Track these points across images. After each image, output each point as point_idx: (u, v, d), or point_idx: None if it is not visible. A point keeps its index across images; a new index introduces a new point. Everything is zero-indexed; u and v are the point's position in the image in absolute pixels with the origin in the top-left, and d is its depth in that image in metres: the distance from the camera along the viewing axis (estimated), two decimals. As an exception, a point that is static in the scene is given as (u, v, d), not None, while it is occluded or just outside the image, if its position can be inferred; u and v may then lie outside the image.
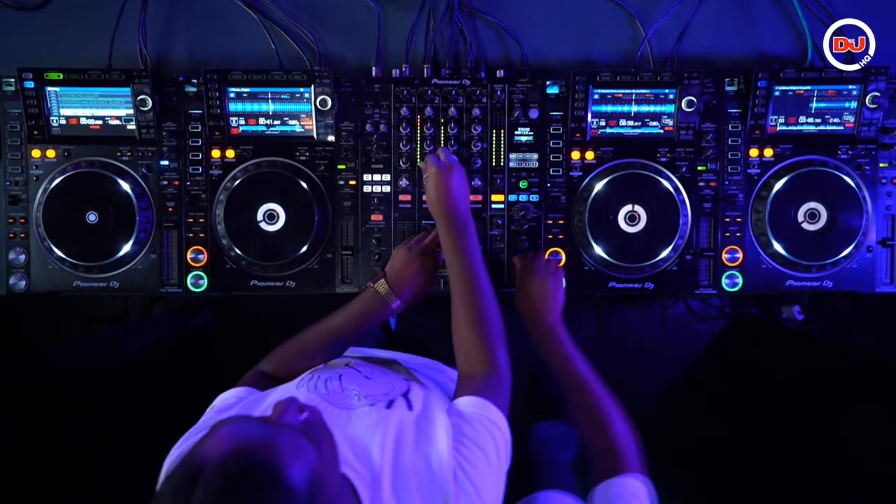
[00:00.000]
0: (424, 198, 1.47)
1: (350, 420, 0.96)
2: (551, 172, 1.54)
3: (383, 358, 1.31)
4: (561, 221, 1.55)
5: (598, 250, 1.50)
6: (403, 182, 1.53)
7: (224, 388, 1.13)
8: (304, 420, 0.79)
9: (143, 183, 1.53)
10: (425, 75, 1.55)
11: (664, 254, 1.50)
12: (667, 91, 1.50)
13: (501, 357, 1.16)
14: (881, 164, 1.53)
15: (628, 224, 1.50)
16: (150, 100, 1.48)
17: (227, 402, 1.09)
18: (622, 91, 1.51)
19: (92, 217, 1.49)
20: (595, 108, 1.52)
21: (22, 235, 1.53)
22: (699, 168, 1.54)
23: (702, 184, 1.54)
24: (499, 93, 1.53)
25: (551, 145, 1.54)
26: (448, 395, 1.13)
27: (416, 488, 0.87)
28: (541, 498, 1.21)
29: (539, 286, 1.37)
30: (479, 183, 1.53)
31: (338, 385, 1.06)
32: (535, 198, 1.54)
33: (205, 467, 0.70)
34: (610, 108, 1.52)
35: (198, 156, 1.53)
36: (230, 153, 1.53)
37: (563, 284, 1.42)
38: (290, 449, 0.72)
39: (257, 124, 1.52)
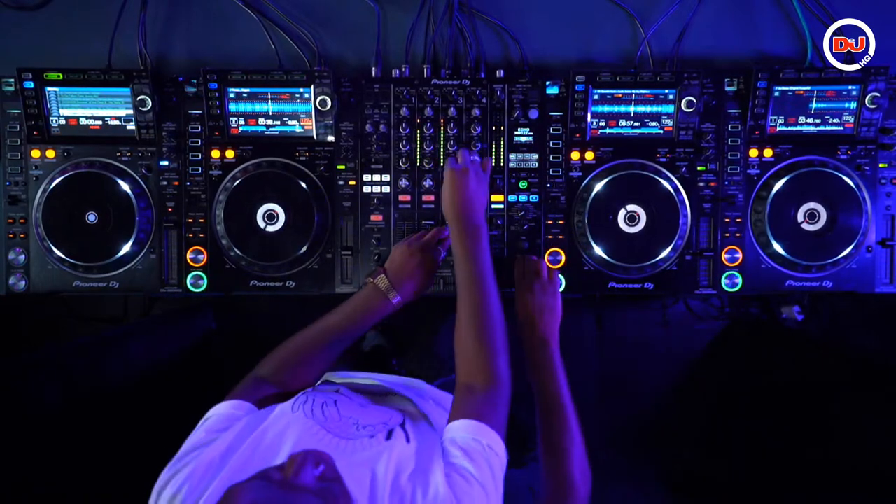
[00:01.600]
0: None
1: (350, 450, 0.94)
2: (551, 173, 1.54)
3: (368, 384, 1.30)
4: (561, 222, 1.55)
5: (598, 250, 1.50)
6: (403, 182, 1.53)
7: (223, 388, 1.12)
8: (320, 474, 0.78)
9: (142, 183, 1.53)
10: (425, 75, 1.55)
11: (664, 254, 1.50)
12: (666, 91, 1.50)
13: (502, 368, 1.14)
14: (881, 165, 1.53)
15: (628, 224, 1.50)
16: (149, 100, 1.48)
17: (220, 422, 1.01)
18: (622, 91, 1.51)
19: (92, 217, 1.49)
20: (595, 108, 1.52)
21: (22, 235, 1.53)
22: (699, 168, 1.54)
23: (701, 184, 1.54)
24: (498, 93, 1.53)
25: (551, 145, 1.54)
26: (434, 423, 1.11)
27: None
28: None
29: (539, 298, 1.36)
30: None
31: (335, 412, 1.03)
32: (534, 198, 1.54)
33: None
34: (609, 109, 1.52)
35: (197, 156, 1.53)
36: (230, 153, 1.53)
37: (560, 298, 1.40)
38: None
39: (257, 124, 1.52)
